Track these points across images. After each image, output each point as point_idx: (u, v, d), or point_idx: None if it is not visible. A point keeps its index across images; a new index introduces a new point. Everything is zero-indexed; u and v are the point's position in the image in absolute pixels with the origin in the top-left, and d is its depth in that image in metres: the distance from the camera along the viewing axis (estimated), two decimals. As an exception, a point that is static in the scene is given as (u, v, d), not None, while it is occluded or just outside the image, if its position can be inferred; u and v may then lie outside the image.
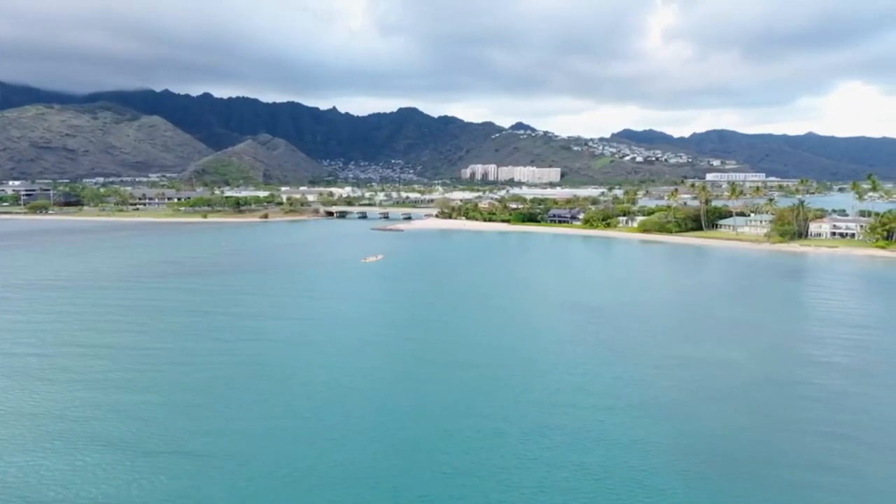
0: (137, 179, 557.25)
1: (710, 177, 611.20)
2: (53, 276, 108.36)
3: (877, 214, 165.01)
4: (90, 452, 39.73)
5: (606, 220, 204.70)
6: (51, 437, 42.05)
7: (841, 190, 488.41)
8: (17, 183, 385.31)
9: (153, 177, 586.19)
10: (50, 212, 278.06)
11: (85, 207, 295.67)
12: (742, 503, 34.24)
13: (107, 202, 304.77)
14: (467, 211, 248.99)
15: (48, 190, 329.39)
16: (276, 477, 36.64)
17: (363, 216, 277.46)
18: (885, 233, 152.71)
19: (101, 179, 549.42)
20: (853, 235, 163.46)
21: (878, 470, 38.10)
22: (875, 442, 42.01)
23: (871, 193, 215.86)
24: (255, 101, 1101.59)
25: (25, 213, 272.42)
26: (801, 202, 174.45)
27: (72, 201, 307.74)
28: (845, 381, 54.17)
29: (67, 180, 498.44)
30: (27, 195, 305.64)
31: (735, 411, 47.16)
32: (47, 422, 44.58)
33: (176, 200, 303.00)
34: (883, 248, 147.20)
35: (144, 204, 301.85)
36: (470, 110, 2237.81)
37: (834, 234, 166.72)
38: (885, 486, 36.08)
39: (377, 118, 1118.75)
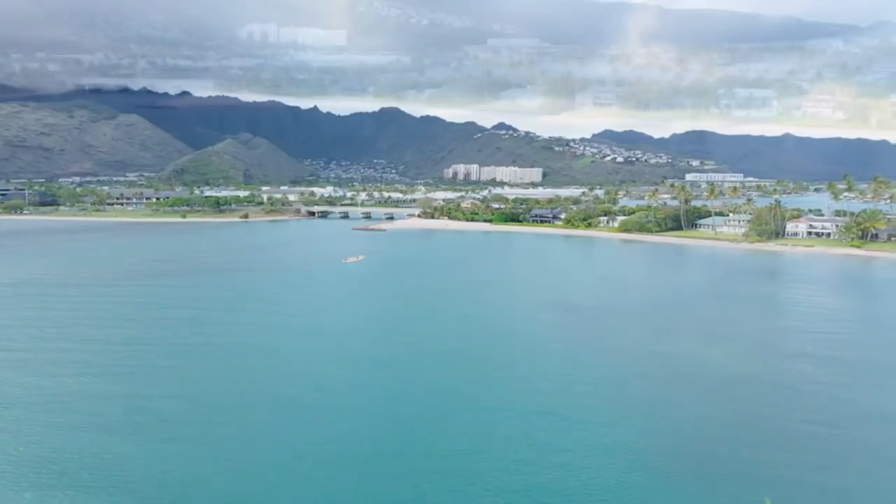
0: (115, 179, 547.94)
1: (689, 177, 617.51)
2: (27, 276, 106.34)
3: (852, 214, 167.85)
4: (86, 439, 40.89)
5: (588, 219, 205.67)
6: (50, 426, 42.99)
7: (817, 190, 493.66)
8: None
9: (131, 176, 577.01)
10: (25, 212, 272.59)
11: (61, 207, 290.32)
12: (725, 498, 34.55)
13: (84, 202, 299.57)
14: (450, 211, 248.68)
15: (23, 189, 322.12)
16: (263, 466, 36.34)
17: (345, 216, 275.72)
18: (859, 232, 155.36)
19: (77, 179, 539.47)
20: (829, 235, 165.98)
21: (856, 456, 38.81)
22: (852, 430, 42.79)
23: (846, 194, 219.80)
24: (236, 99, 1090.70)
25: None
26: (778, 202, 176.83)
27: (48, 201, 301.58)
28: (824, 375, 55.04)
29: (43, 180, 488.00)
30: (1, 195, 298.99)
31: (717, 408, 47.67)
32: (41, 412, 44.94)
33: (155, 200, 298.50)
34: (858, 247, 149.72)
35: (122, 204, 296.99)
36: (452, 110, 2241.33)
37: (810, 233, 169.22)
38: (864, 475, 36.68)
39: (359, 118, 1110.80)
